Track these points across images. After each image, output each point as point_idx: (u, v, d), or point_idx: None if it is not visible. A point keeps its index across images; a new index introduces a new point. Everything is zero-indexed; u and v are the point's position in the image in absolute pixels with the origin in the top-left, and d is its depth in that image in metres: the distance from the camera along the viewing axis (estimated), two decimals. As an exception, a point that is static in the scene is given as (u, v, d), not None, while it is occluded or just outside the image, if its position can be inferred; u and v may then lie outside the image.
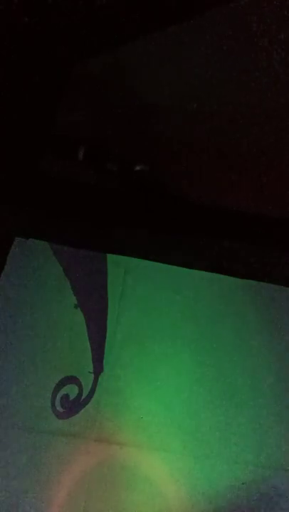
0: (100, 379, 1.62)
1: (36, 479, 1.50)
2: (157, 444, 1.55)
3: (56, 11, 1.11)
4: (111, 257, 1.72)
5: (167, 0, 1.11)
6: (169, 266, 1.62)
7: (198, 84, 1.17)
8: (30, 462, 1.52)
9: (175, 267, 1.62)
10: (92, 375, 1.62)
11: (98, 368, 1.63)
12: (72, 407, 1.59)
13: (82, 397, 1.60)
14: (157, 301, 1.71)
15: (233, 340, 1.69)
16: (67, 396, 1.60)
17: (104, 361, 1.64)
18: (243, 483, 1.53)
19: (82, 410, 1.59)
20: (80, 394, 1.61)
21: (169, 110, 1.20)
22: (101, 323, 1.68)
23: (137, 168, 1.22)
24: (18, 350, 1.64)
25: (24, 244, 1.69)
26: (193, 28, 1.12)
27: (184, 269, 1.57)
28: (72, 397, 1.60)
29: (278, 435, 1.59)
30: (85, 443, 1.54)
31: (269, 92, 1.12)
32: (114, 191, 1.23)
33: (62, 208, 1.22)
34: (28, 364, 1.63)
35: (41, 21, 1.12)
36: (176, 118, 1.20)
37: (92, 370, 1.63)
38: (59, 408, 1.59)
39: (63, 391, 1.61)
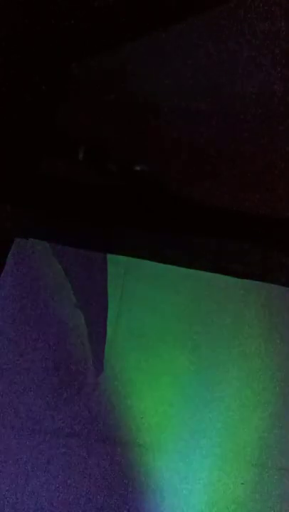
0: (100, 379, 1.62)
1: (36, 479, 1.50)
2: (157, 444, 1.55)
3: (56, 11, 1.11)
4: (111, 257, 1.72)
5: (167, 0, 1.11)
6: (169, 266, 1.62)
7: (199, 84, 1.17)
8: (30, 462, 1.52)
9: (175, 267, 1.62)
10: (93, 375, 1.63)
11: (98, 368, 1.63)
12: (72, 406, 1.59)
13: (82, 397, 1.60)
14: (157, 301, 1.71)
15: (233, 340, 1.69)
16: (67, 396, 1.60)
17: (104, 361, 1.64)
18: (242, 483, 1.53)
19: (82, 410, 1.59)
20: (80, 394, 1.61)
21: (169, 110, 1.19)
22: (101, 323, 1.68)
23: (137, 168, 1.22)
24: (18, 350, 1.64)
25: (24, 244, 1.69)
26: (194, 28, 1.12)
27: (184, 269, 1.57)
28: (72, 396, 1.60)
29: (278, 435, 1.59)
30: (86, 443, 1.54)
31: (271, 91, 1.12)
32: (114, 191, 1.23)
33: (63, 208, 1.22)
34: (27, 364, 1.63)
35: (41, 21, 1.12)
36: (176, 118, 1.20)
37: (92, 370, 1.63)
38: (59, 408, 1.59)
39: (63, 391, 1.61)
